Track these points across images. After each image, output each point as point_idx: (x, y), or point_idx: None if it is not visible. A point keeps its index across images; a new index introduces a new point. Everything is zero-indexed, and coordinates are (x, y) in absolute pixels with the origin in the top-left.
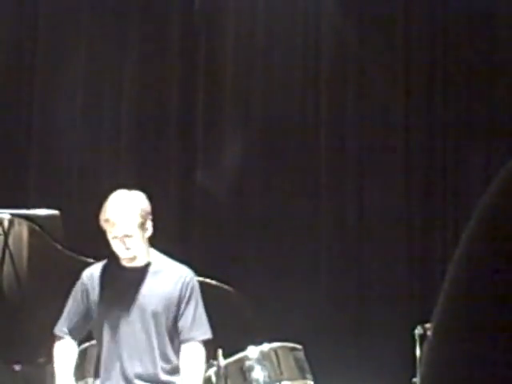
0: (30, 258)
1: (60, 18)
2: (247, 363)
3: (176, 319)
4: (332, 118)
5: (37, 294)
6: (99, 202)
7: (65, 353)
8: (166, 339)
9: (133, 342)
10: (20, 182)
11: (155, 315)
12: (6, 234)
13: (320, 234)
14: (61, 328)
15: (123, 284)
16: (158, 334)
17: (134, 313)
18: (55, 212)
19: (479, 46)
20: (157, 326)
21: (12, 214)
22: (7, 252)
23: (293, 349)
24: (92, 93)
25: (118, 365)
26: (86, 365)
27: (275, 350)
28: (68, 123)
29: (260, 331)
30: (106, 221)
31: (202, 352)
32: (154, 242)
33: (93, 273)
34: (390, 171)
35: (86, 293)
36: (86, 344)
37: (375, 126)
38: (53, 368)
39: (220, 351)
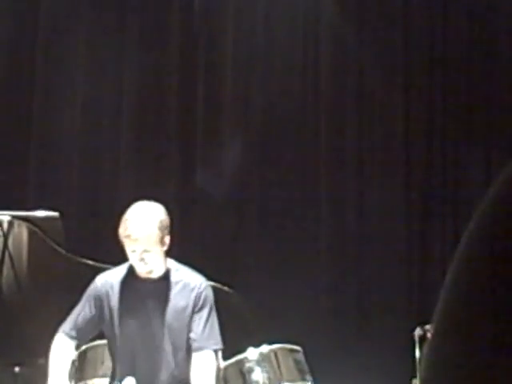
0: (29, 260)
1: (60, 18)
2: (247, 365)
3: (189, 329)
4: (332, 118)
5: (36, 295)
6: (98, 203)
7: (61, 352)
8: (182, 351)
9: (148, 353)
10: (19, 184)
11: (170, 327)
12: (6, 236)
13: (319, 234)
14: (65, 328)
15: (139, 296)
16: (174, 345)
17: (150, 325)
18: (55, 214)
19: (479, 47)
20: (172, 337)
21: (12, 216)
22: (7, 254)
23: (292, 350)
24: (92, 94)
25: (132, 375)
26: (85, 367)
27: (275, 352)
28: (68, 124)
29: (259, 333)
30: (127, 237)
31: (213, 362)
32: None
33: (108, 279)
34: (389, 172)
35: (99, 299)
36: (86, 346)
37: (375, 126)
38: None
39: (219, 353)
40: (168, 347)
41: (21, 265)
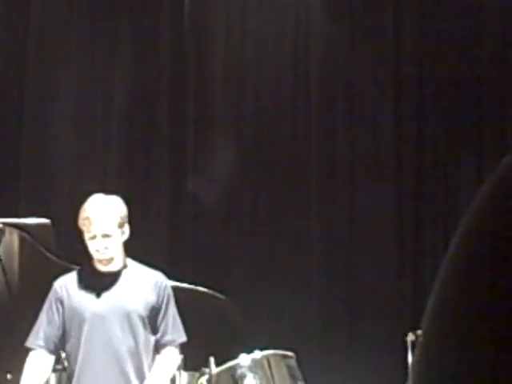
0: (20, 267)
1: (50, 27)
2: (239, 371)
3: (156, 322)
4: (322, 124)
5: (27, 302)
6: None
7: (35, 366)
8: (150, 340)
9: (115, 344)
10: (10, 191)
11: (141, 317)
12: None
13: (310, 240)
14: (34, 341)
15: (101, 289)
16: (140, 334)
17: (116, 316)
18: (46, 221)
19: (468, 53)
20: (137, 327)
21: (2, 223)
22: None
23: (285, 356)
24: (83, 103)
25: (95, 371)
26: None
27: (267, 358)
28: (59, 133)
29: (252, 339)
30: (86, 219)
31: (178, 356)
32: (144, 249)
33: (66, 282)
34: (380, 175)
35: (60, 302)
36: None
37: (365, 133)
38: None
39: (212, 359)
40: (135, 335)
41: (12, 272)
